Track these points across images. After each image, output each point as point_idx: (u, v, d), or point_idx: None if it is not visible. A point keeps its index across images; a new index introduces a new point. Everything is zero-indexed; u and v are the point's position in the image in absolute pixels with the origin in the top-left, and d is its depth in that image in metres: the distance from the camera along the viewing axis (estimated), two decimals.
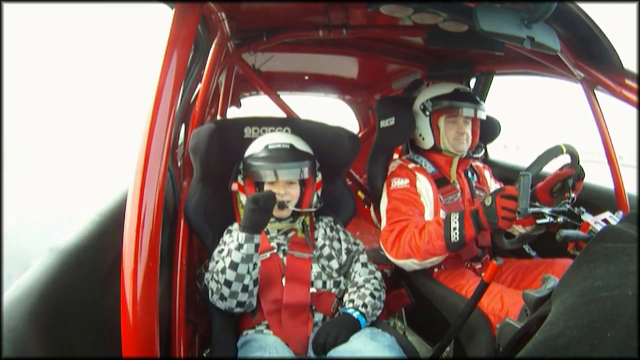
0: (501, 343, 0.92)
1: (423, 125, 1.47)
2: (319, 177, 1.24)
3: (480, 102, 1.46)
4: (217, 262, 1.12)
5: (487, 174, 1.59)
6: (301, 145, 1.23)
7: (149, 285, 0.59)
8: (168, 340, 1.12)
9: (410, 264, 1.29)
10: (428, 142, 1.48)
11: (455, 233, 1.18)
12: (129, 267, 0.58)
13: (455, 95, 1.44)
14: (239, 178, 1.22)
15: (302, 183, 1.21)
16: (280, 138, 1.23)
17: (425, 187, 1.40)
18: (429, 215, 1.37)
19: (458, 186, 1.45)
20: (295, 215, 1.21)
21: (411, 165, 1.45)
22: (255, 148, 1.21)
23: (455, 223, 1.19)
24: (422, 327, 1.51)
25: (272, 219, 1.18)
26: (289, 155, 1.18)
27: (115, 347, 0.58)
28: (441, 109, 1.44)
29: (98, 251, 0.85)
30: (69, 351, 0.69)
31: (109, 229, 0.90)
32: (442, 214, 1.37)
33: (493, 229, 1.12)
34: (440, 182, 1.43)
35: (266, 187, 1.18)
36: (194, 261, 1.36)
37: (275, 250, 1.18)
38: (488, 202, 1.12)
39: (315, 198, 1.23)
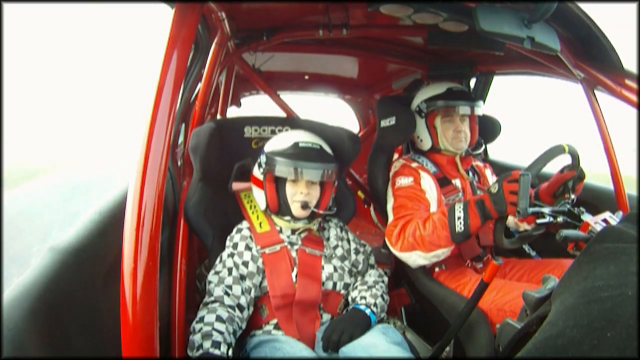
0: (501, 343, 0.92)
1: (420, 127, 1.47)
2: (336, 181, 1.24)
3: (475, 98, 1.46)
4: (221, 271, 1.10)
5: (487, 172, 1.59)
6: (327, 148, 1.23)
7: (149, 285, 0.59)
8: (168, 340, 1.12)
9: (415, 257, 1.26)
10: (426, 143, 1.48)
11: (460, 223, 1.16)
12: (129, 267, 0.58)
13: (448, 94, 1.44)
14: (259, 172, 1.19)
15: (321, 185, 1.20)
16: (309, 137, 1.21)
17: (429, 185, 1.40)
18: (435, 204, 1.36)
19: (459, 185, 1.45)
20: (311, 216, 1.20)
21: (414, 165, 1.45)
22: (282, 144, 1.18)
23: (459, 212, 1.17)
24: (421, 327, 1.51)
25: (288, 218, 1.18)
26: (320, 155, 1.17)
27: (115, 347, 0.58)
28: (436, 109, 1.44)
29: (98, 251, 0.85)
30: (68, 351, 0.69)
31: (109, 229, 0.90)
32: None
33: (502, 216, 1.09)
34: (442, 181, 1.43)
35: (288, 185, 1.16)
36: (194, 261, 1.36)
37: (285, 244, 1.18)
38: (495, 189, 1.10)
39: (331, 201, 1.23)
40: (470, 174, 1.52)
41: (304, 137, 1.20)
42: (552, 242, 0.97)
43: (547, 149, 1.10)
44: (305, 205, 1.15)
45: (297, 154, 1.14)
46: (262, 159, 1.18)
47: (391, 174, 1.47)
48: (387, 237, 1.35)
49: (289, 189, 1.16)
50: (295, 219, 1.17)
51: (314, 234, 1.23)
